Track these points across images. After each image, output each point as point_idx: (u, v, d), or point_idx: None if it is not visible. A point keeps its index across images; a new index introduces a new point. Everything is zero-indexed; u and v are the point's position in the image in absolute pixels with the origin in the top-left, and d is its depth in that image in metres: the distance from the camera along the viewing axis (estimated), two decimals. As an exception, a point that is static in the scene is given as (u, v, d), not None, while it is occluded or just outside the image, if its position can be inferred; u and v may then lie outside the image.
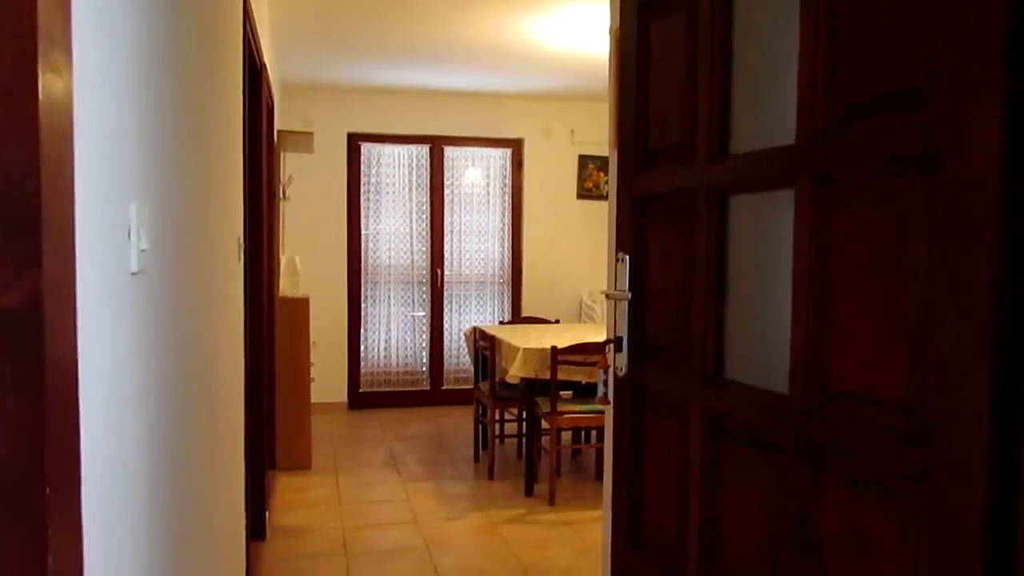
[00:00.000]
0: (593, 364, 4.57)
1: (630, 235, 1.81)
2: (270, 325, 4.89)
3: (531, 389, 4.76)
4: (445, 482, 4.97)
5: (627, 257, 1.80)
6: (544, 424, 4.75)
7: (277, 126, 5.47)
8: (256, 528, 3.97)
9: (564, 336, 5.15)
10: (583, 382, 4.73)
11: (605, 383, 1.89)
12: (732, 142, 1.53)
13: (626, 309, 1.79)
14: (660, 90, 1.71)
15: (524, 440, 5.16)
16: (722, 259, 1.54)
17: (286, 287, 5.25)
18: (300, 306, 5.13)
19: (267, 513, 4.08)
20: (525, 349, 4.55)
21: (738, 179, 1.50)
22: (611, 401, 1.89)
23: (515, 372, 4.55)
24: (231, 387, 2.68)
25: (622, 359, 1.81)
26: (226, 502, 2.55)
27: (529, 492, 4.74)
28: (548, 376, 4.53)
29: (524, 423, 5.55)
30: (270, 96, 4.57)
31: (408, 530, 4.16)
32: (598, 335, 5.20)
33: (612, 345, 1.83)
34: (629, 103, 1.78)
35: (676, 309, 1.66)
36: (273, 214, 4.91)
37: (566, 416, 4.58)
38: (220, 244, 2.39)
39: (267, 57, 4.45)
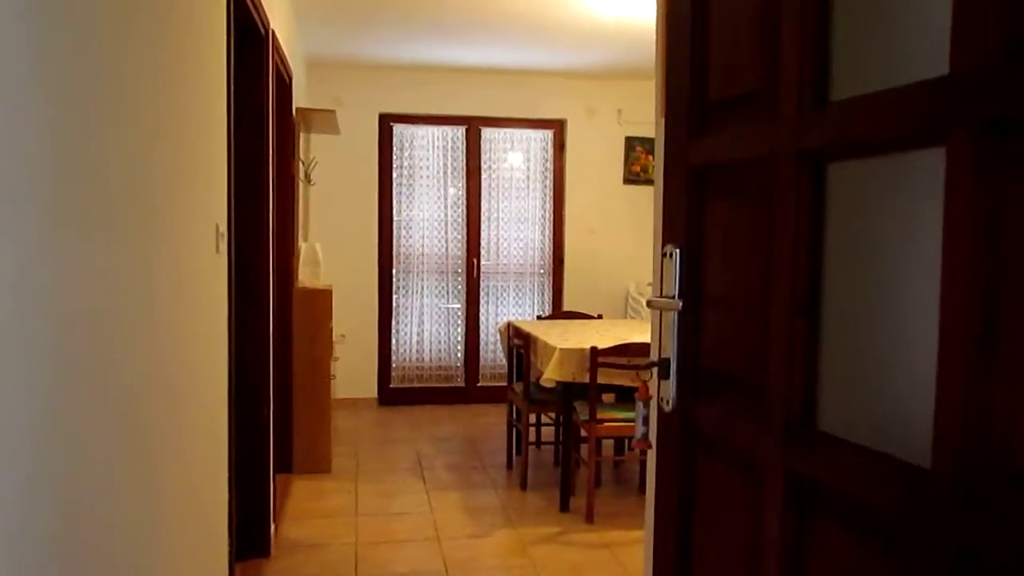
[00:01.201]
0: (638, 367, 4.08)
1: (683, 221, 1.35)
2: (283, 318, 4.50)
3: (569, 392, 4.30)
4: (473, 492, 4.54)
5: (677, 251, 1.33)
6: (583, 431, 4.29)
7: (299, 103, 5.08)
8: (259, 543, 3.59)
9: (606, 334, 4.67)
10: (627, 386, 4.25)
11: (645, 420, 1.42)
12: (833, 86, 1.05)
13: (675, 322, 1.33)
14: (725, 16, 1.24)
15: (560, 448, 4.71)
16: (816, 255, 1.06)
17: (305, 277, 4.86)
18: (320, 298, 4.74)
19: (273, 526, 3.69)
20: (562, 349, 4.09)
21: (843, 137, 1.02)
22: (653, 445, 1.42)
23: (550, 375, 4.09)
24: (206, 388, 2.27)
25: (669, 388, 1.34)
26: (194, 517, 2.15)
27: (564, 507, 4.28)
28: (587, 380, 4.07)
29: (560, 429, 5.09)
30: (284, 68, 4.17)
31: (428, 549, 3.74)
32: (644, 334, 4.71)
33: (656, 369, 1.37)
34: (682, 38, 1.31)
35: (746, 325, 1.20)
36: (289, 199, 4.52)
37: (606, 424, 4.11)
38: (182, 233, 1.97)
39: (281, 24, 4.03)
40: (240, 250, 3.35)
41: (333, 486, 4.57)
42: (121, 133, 1.50)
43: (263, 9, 3.24)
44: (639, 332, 4.79)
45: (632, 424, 4.15)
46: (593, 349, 4.00)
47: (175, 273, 1.87)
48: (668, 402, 1.34)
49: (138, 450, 1.65)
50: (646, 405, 1.40)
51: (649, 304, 1.36)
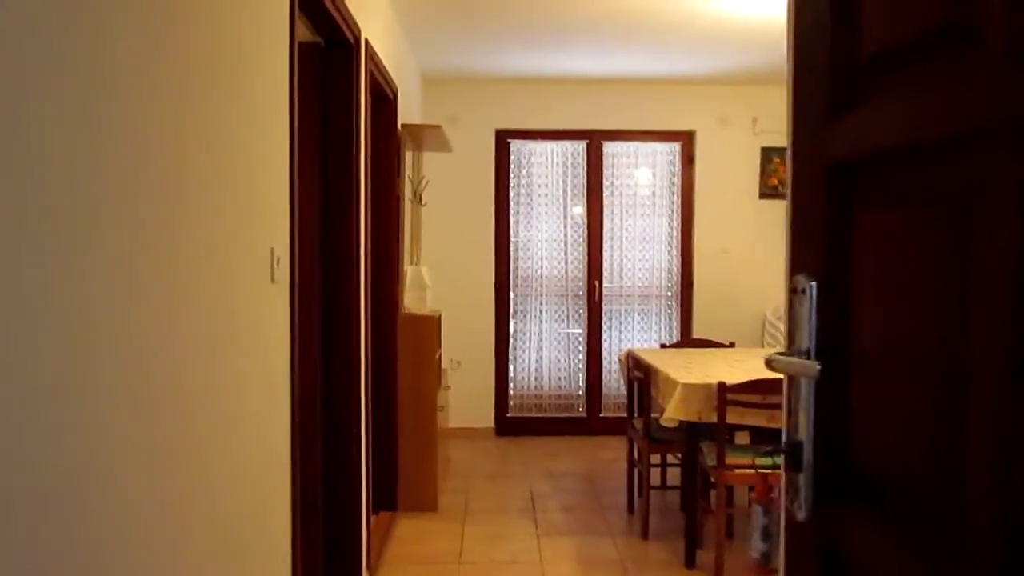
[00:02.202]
0: (778, 407, 3.57)
1: (820, 241, 0.92)
2: (385, 346, 4.25)
3: (694, 431, 3.82)
4: (589, 539, 4.12)
5: (812, 286, 0.90)
6: (711, 476, 3.80)
7: (412, 121, 4.86)
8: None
9: (738, 366, 4.15)
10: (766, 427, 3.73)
11: (767, 533, 0.99)
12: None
13: (810, 391, 0.90)
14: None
15: (685, 494, 4.21)
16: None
17: (411, 303, 4.61)
18: (426, 324, 4.47)
19: (366, 573, 3.41)
20: (685, 385, 3.63)
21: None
22: (778, 569, 0.99)
23: (671, 414, 3.63)
24: (260, 439, 1.99)
25: (801, 488, 0.91)
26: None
27: (690, 563, 3.79)
28: (714, 419, 3.58)
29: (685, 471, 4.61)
30: (385, 82, 3.94)
31: (533, 607, 3.35)
32: (782, 366, 4.17)
33: (783, 457, 0.94)
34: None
35: (926, 399, 0.76)
36: (393, 220, 4.28)
37: (737, 471, 3.60)
38: (220, 260, 1.69)
39: (380, 35, 3.80)
40: (327, 276, 3.10)
41: (438, 527, 4.26)
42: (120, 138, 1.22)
43: (350, 17, 2.99)
44: (776, 364, 4.24)
45: (769, 472, 3.63)
46: (721, 385, 3.52)
47: (230, 305, 1.59)
48: (800, 507, 0.91)
49: (161, 519, 1.36)
50: (767, 511, 0.97)
51: (770, 364, 0.93)
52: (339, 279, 3.14)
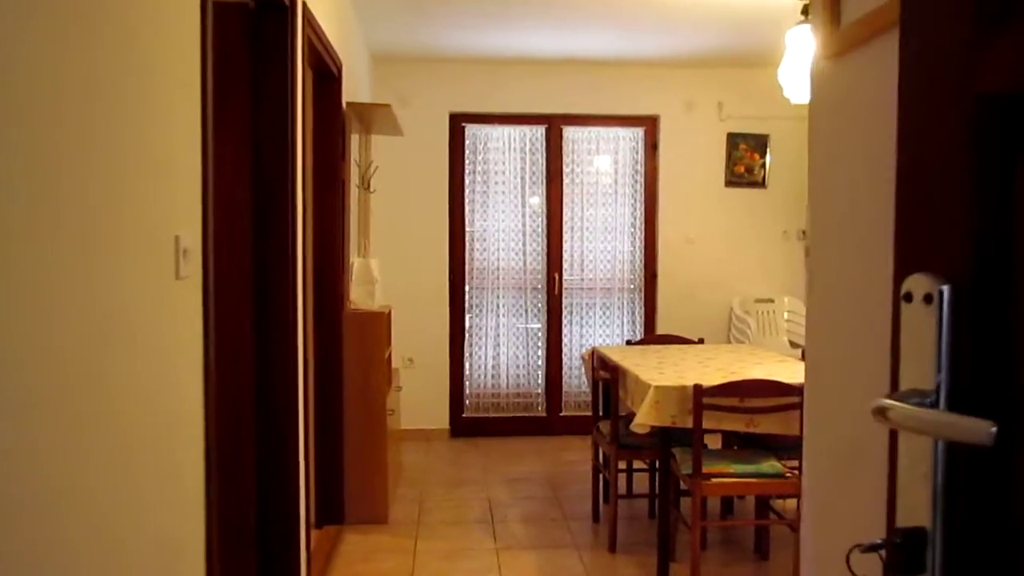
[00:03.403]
0: (756, 410, 3.29)
1: (958, 221, 0.60)
2: (329, 345, 3.88)
3: (667, 436, 3.52)
4: (552, 553, 3.80)
5: (945, 290, 0.59)
6: (683, 483, 3.51)
7: (355, 99, 4.47)
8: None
9: (711, 364, 3.87)
10: (741, 432, 3.46)
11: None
12: None
13: (940, 457, 0.58)
14: None
15: (657, 503, 3.92)
16: None
17: (359, 298, 4.23)
18: (375, 321, 4.10)
19: (307, 603, 3.05)
20: (657, 387, 3.33)
21: None
22: None
23: (643, 420, 3.33)
24: (163, 461, 1.63)
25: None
26: None
27: (663, 578, 3.50)
28: (689, 424, 3.29)
29: (657, 476, 4.33)
30: (328, 55, 3.55)
31: (493, 636, 3.03)
32: (757, 364, 3.90)
33: (886, 553, 0.61)
34: None
35: None
36: (337, 208, 3.90)
37: (715, 481, 3.32)
38: (96, 251, 1.33)
39: (324, 4, 3.42)
40: (260, 269, 2.73)
41: (388, 542, 3.91)
42: None
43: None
44: (751, 362, 3.98)
45: (748, 481, 3.36)
46: (697, 388, 3.23)
47: (69, 317, 1.22)
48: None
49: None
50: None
51: (883, 414, 0.60)
52: (273, 272, 2.77)
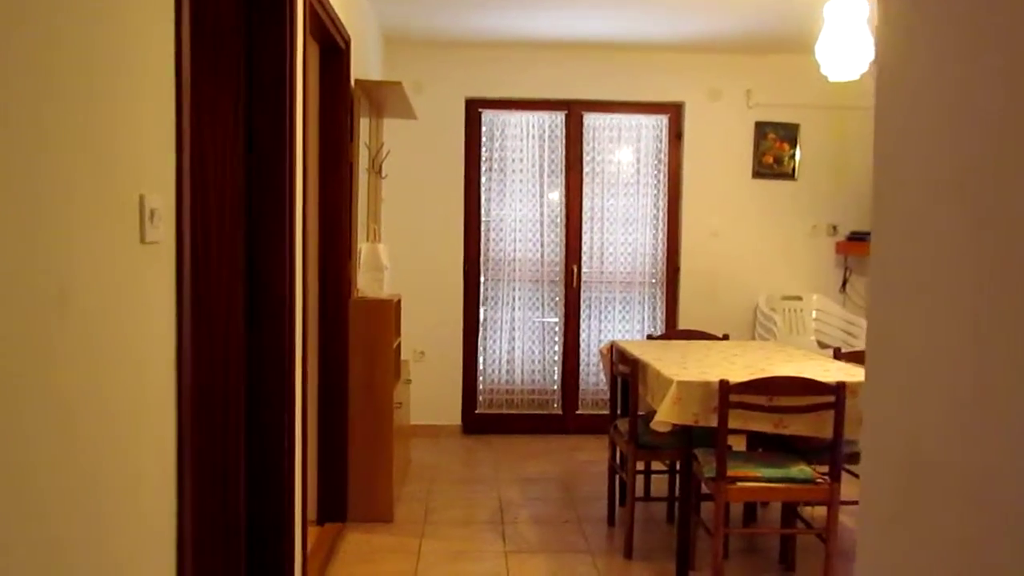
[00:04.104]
0: (786, 410, 3.05)
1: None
2: (334, 334, 3.70)
3: (689, 436, 3.30)
4: (565, 557, 3.59)
5: None
6: (705, 487, 3.29)
7: (363, 77, 4.27)
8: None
9: (738, 360, 3.64)
10: (770, 433, 3.22)
11: None
12: None
13: None
14: None
15: (676, 506, 3.70)
16: None
17: (366, 285, 4.04)
18: (382, 310, 3.91)
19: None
20: (680, 383, 3.10)
21: None
22: None
23: (664, 417, 3.10)
24: (124, 460, 1.44)
25: None
26: None
27: (682, 588, 3.28)
28: (713, 423, 3.06)
29: (678, 478, 4.11)
30: (333, 26, 3.36)
31: (499, 646, 2.82)
32: (788, 362, 3.67)
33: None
34: None
35: None
36: (344, 191, 3.71)
37: (740, 486, 3.09)
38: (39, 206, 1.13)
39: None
40: (253, 248, 2.54)
41: (392, 542, 3.71)
42: None
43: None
44: (779, 359, 3.74)
45: (775, 487, 3.12)
46: (723, 383, 3.00)
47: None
48: None
49: None
50: None
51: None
52: (267, 251, 2.57)
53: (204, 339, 2.37)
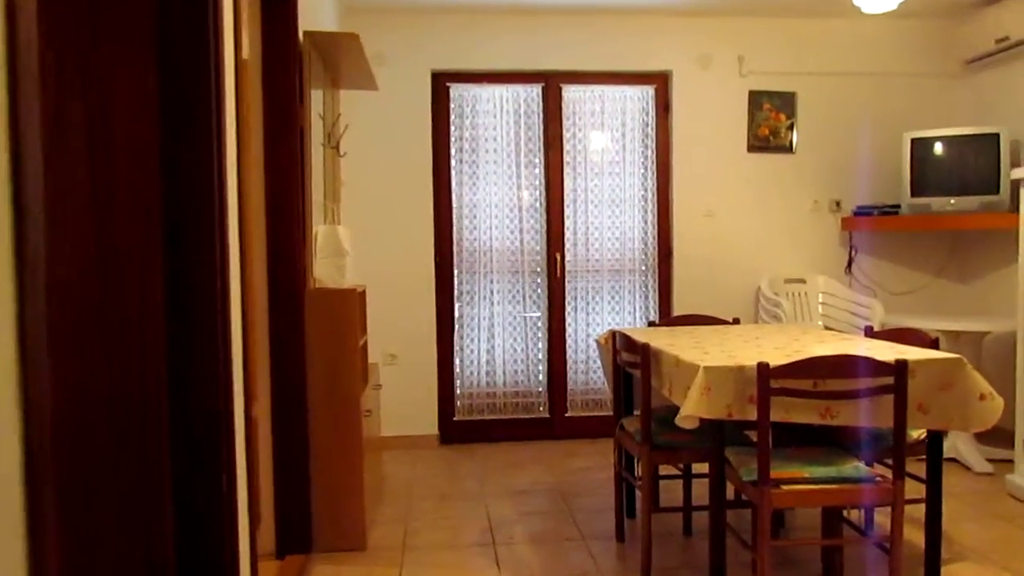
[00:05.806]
0: (836, 395, 2.54)
1: None
2: (288, 331, 3.13)
3: (720, 432, 2.76)
4: (571, 583, 3.04)
5: None
6: (742, 493, 2.76)
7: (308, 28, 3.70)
8: None
9: (766, 344, 3.13)
10: (816, 425, 2.70)
11: None
12: None
13: None
14: None
15: (709, 517, 3.16)
16: None
17: (325, 272, 3.46)
18: (345, 301, 3.33)
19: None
20: (708, 368, 2.57)
21: None
22: None
23: (692, 410, 2.56)
24: None
25: None
26: None
27: (717, 616, 2.74)
28: (751, 416, 2.54)
29: (694, 483, 3.61)
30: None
31: None
32: (820, 343, 3.16)
33: None
34: None
35: None
36: (293, 164, 3.14)
37: (786, 489, 2.56)
38: None
39: None
40: (180, 231, 1.97)
41: (366, 573, 3.13)
42: None
43: None
44: (808, 340, 3.24)
45: (827, 489, 2.60)
46: (762, 367, 2.47)
47: None
48: None
49: None
50: None
51: None
52: (191, 226, 1.99)
53: (93, 340, 1.78)
